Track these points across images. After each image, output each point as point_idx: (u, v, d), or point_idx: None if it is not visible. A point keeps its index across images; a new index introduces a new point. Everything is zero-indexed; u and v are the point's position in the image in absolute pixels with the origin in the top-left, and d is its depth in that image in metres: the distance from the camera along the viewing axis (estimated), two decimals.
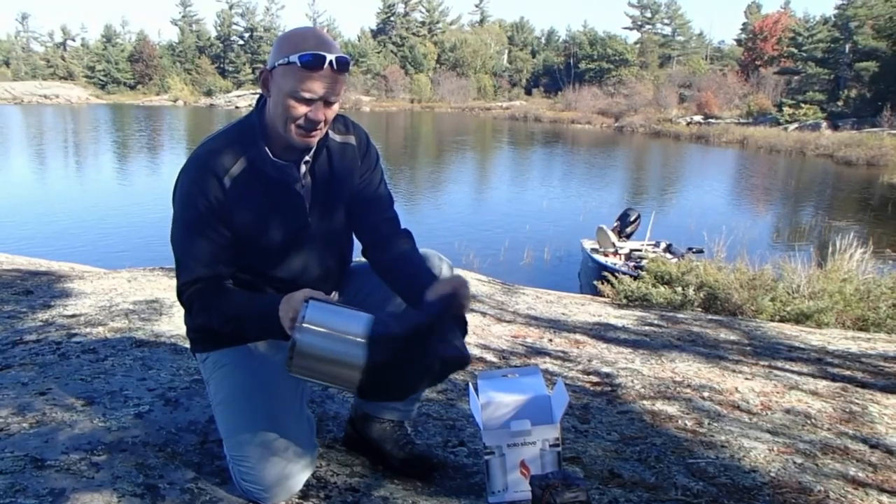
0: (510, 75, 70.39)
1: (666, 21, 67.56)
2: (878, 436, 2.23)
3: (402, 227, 1.74)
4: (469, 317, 1.52)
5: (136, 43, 71.66)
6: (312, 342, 1.29)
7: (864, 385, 2.82)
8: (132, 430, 1.82)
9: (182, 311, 1.62)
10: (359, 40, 72.26)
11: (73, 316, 3.13)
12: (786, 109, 38.15)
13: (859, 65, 38.73)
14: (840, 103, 38.42)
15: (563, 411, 1.59)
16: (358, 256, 1.81)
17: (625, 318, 4.22)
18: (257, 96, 1.58)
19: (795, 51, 45.51)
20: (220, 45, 72.03)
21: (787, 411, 2.42)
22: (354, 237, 1.75)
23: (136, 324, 3.00)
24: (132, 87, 68.29)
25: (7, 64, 72.44)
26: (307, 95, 1.43)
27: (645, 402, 2.44)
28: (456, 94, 62.02)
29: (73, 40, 77.48)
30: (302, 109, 1.44)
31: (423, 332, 1.36)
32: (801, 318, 4.56)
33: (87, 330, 2.86)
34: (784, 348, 3.53)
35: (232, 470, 1.57)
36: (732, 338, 3.75)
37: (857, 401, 2.59)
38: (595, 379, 2.71)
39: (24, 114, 47.47)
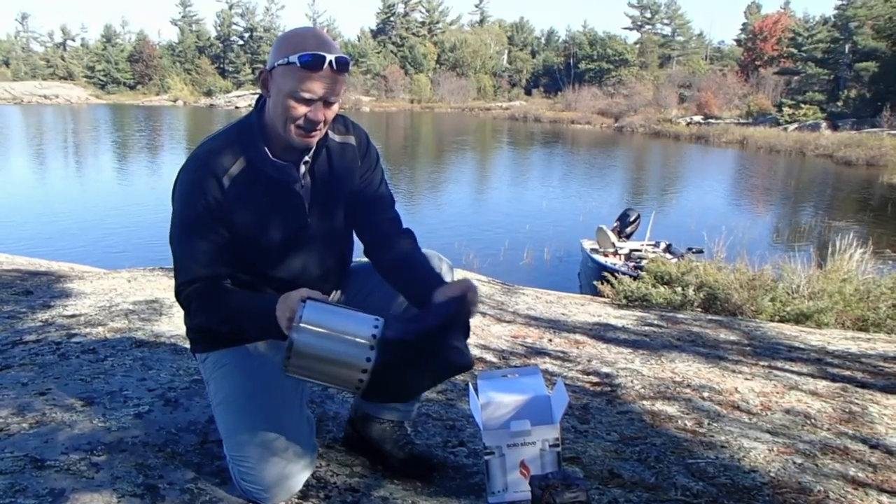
0: (510, 75, 70.41)
1: (666, 21, 67.60)
2: (878, 436, 2.23)
3: (404, 226, 1.74)
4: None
5: (135, 43, 71.67)
6: (310, 342, 1.29)
7: (863, 385, 2.82)
8: (132, 431, 1.82)
9: (182, 311, 1.62)
10: (359, 40, 72.27)
11: (72, 316, 3.13)
12: (785, 110, 38.18)
13: (859, 65, 38.76)
14: (840, 103, 38.44)
15: (563, 411, 1.59)
16: (359, 256, 1.81)
17: (624, 319, 4.22)
18: (257, 96, 1.58)
19: (795, 51, 45.54)
20: (220, 45, 72.03)
21: (787, 411, 2.42)
22: (356, 237, 1.75)
23: (135, 324, 2.99)
24: (132, 88, 68.29)
25: (7, 64, 72.43)
26: (307, 96, 1.43)
27: (645, 402, 2.44)
28: (456, 95, 62.04)
29: (73, 40, 77.59)
30: (302, 110, 1.44)
31: (431, 335, 1.37)
32: (800, 319, 4.56)
33: (87, 330, 2.86)
34: (784, 348, 3.53)
35: (232, 470, 1.57)
36: (732, 338, 3.75)
37: (856, 401, 2.59)
38: (595, 379, 2.71)
39: (23, 114, 47.47)
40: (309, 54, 1.40)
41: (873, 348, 3.65)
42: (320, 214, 1.63)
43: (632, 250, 10.09)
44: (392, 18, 73.27)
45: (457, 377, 2.41)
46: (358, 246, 1.78)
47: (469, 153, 30.43)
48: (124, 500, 1.49)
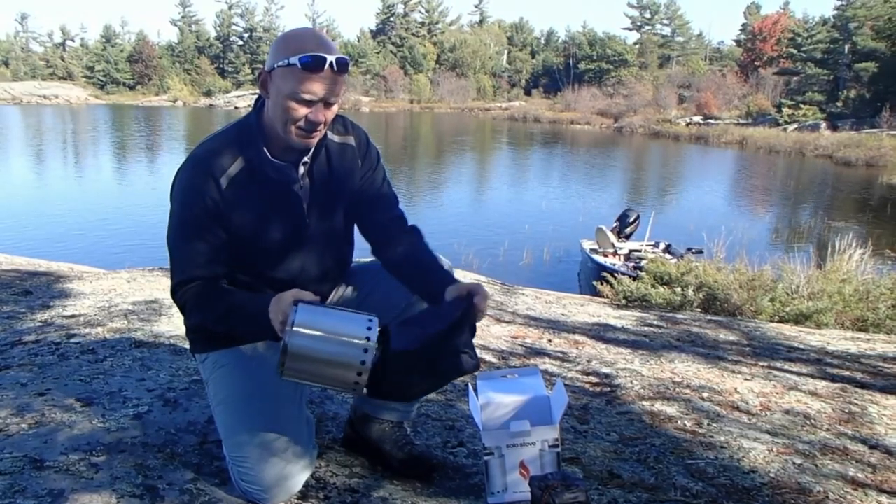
0: (509, 76, 70.42)
1: (665, 22, 67.62)
2: (878, 436, 2.23)
3: (410, 223, 1.74)
4: None
5: (135, 43, 71.67)
6: (304, 345, 1.29)
7: (863, 385, 2.82)
8: (131, 431, 1.82)
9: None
10: (358, 41, 72.29)
11: (72, 316, 3.13)
12: (785, 110, 38.21)
13: (858, 65, 38.80)
14: (839, 104, 38.47)
15: (563, 412, 1.59)
16: (358, 256, 1.81)
17: (624, 319, 4.22)
18: (256, 97, 1.58)
19: (795, 51, 45.59)
20: (220, 45, 72.04)
21: (787, 412, 2.42)
22: (363, 237, 1.75)
23: (135, 324, 2.99)
24: (131, 88, 68.28)
25: (6, 64, 72.41)
26: (307, 97, 1.43)
27: (644, 402, 2.44)
28: (455, 95, 62.05)
29: (73, 40, 77.54)
30: (302, 111, 1.44)
31: (438, 341, 1.38)
32: (800, 319, 4.56)
33: (87, 330, 2.86)
34: (783, 349, 3.53)
35: (231, 470, 1.57)
36: (732, 338, 3.75)
37: (856, 401, 2.59)
38: (594, 379, 2.71)
39: (23, 114, 47.46)
40: (309, 56, 1.40)
41: (873, 349, 3.65)
42: (319, 215, 1.63)
43: (631, 251, 10.09)
44: (392, 19, 73.29)
45: None
46: (359, 246, 1.78)
47: (469, 153, 30.43)
48: (124, 501, 1.49)
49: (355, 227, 1.75)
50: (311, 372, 1.32)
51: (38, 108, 54.07)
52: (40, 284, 3.98)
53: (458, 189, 20.16)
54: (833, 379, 2.91)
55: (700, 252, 8.64)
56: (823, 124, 35.13)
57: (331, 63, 1.41)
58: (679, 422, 2.26)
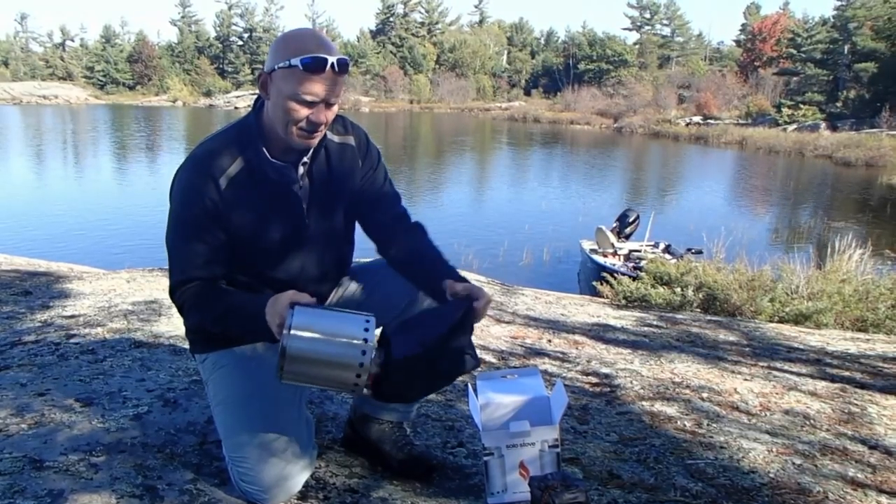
0: (509, 76, 70.42)
1: (665, 22, 67.63)
2: (877, 437, 2.23)
3: (414, 220, 1.74)
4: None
5: (135, 43, 71.63)
6: (302, 347, 1.29)
7: (862, 386, 2.82)
8: (131, 431, 1.82)
9: None
10: (358, 41, 72.30)
11: (71, 317, 3.13)
12: (785, 110, 38.20)
13: (858, 66, 38.79)
14: (839, 104, 38.48)
15: (563, 412, 1.59)
16: (358, 256, 1.81)
17: (624, 319, 4.22)
18: (255, 97, 1.58)
19: (794, 52, 45.60)
20: (220, 45, 72.03)
21: (786, 412, 2.42)
22: (367, 236, 1.75)
23: (134, 324, 2.99)
24: (131, 88, 68.26)
25: (6, 64, 72.39)
26: (309, 98, 1.43)
27: (644, 402, 2.44)
28: (455, 95, 62.05)
29: (72, 41, 77.55)
30: (304, 112, 1.45)
31: (438, 344, 1.40)
32: (800, 319, 4.56)
33: (86, 331, 2.86)
34: (783, 349, 3.53)
35: (231, 471, 1.57)
36: (731, 338, 3.75)
37: (855, 402, 2.59)
38: (594, 380, 2.71)
39: (22, 114, 47.44)
40: (311, 57, 1.40)
41: (872, 349, 3.65)
42: (319, 215, 1.63)
43: (631, 251, 10.09)
44: (391, 19, 73.29)
45: None
46: (363, 245, 1.78)
47: (468, 154, 30.44)
48: (123, 501, 1.49)
49: (359, 227, 1.75)
50: (311, 374, 1.32)
51: (37, 109, 54.06)
52: (40, 285, 3.98)
53: (457, 189, 20.16)
54: (833, 379, 2.91)
55: (700, 252, 8.64)
56: (823, 125, 35.13)
57: (332, 64, 1.41)
58: (679, 422, 2.26)
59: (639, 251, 9.99)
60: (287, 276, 1.61)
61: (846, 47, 40.47)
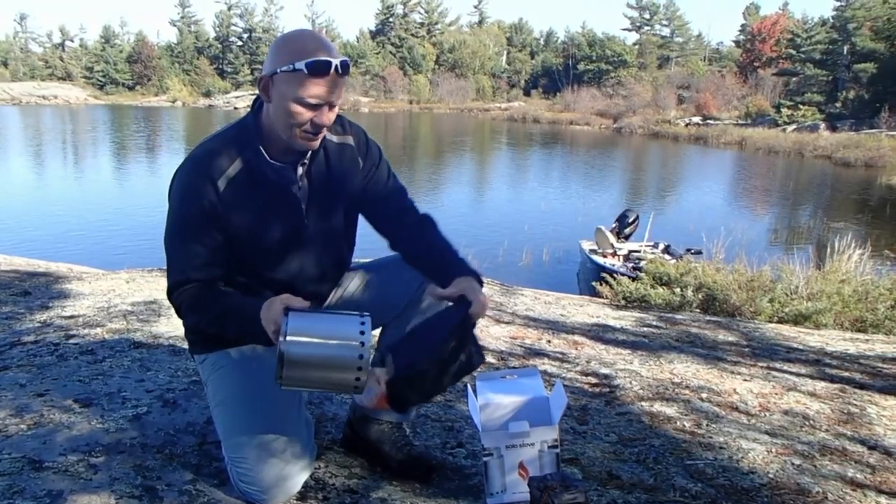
0: (509, 76, 70.42)
1: (664, 22, 67.65)
2: (877, 437, 2.24)
3: (422, 212, 1.75)
4: None
5: (134, 44, 71.62)
6: (300, 352, 1.29)
7: (862, 386, 2.82)
8: (130, 432, 1.82)
9: None
10: (357, 41, 72.31)
11: (71, 317, 3.13)
12: (784, 111, 38.23)
13: (857, 66, 38.81)
14: (838, 105, 38.50)
15: (562, 412, 1.59)
16: (358, 256, 1.81)
17: (623, 320, 4.22)
18: (254, 98, 1.58)
19: (794, 52, 45.62)
20: (219, 45, 72.02)
21: (786, 412, 2.42)
22: (378, 233, 1.75)
23: (134, 325, 2.99)
24: (131, 88, 68.25)
25: (5, 65, 72.36)
26: (313, 101, 1.43)
27: (643, 403, 2.44)
28: (455, 95, 62.05)
29: (72, 41, 77.50)
30: (308, 115, 1.45)
31: (442, 347, 1.41)
32: (799, 320, 4.56)
33: (86, 331, 2.86)
34: (782, 349, 3.53)
35: (230, 471, 1.57)
36: (731, 339, 3.75)
37: (855, 402, 2.59)
38: (593, 380, 2.71)
39: (22, 114, 47.42)
40: (316, 60, 1.40)
41: (872, 349, 3.66)
42: (318, 215, 1.63)
43: (630, 251, 10.09)
44: (391, 19, 73.29)
45: None
46: (363, 245, 1.78)
47: (468, 154, 30.44)
48: (122, 502, 1.49)
49: (369, 224, 1.75)
50: (310, 378, 1.32)
51: (37, 109, 54.03)
52: (39, 285, 3.98)
53: (457, 189, 20.16)
54: (832, 379, 2.91)
55: (699, 252, 8.65)
56: (822, 125, 35.14)
57: (336, 66, 1.42)
58: (678, 422, 2.26)
59: (638, 251, 9.99)
60: (286, 276, 1.61)
61: (845, 48, 40.50)
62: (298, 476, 1.56)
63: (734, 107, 43.92)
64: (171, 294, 1.54)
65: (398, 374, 1.39)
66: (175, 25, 75.48)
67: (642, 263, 8.03)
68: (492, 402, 1.66)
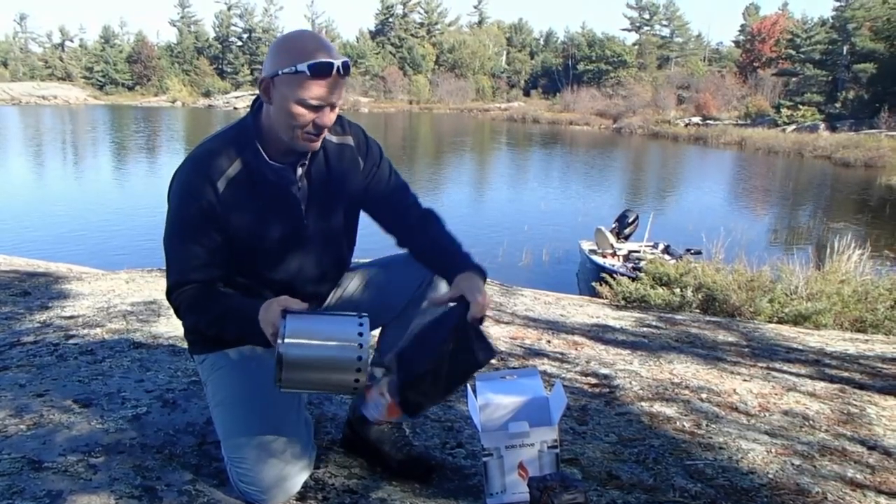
0: (508, 76, 70.43)
1: (664, 22, 67.66)
2: (876, 437, 2.24)
3: (425, 207, 1.74)
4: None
5: (134, 44, 71.62)
6: (298, 354, 1.29)
7: (862, 386, 2.82)
8: (130, 432, 1.82)
9: None
10: (357, 41, 72.31)
11: (70, 317, 3.13)
12: (784, 111, 38.24)
13: (857, 66, 38.82)
14: (838, 105, 38.51)
15: (562, 413, 1.59)
16: (358, 256, 1.81)
17: (623, 320, 4.22)
18: (253, 98, 1.58)
19: (793, 52, 45.62)
20: (219, 46, 72.02)
21: (786, 413, 2.42)
22: (384, 231, 1.75)
23: (133, 325, 2.99)
24: (130, 88, 68.25)
25: (5, 65, 72.35)
26: (316, 103, 1.43)
27: (643, 403, 2.44)
28: (454, 96, 62.07)
29: (72, 41, 77.48)
30: (310, 116, 1.45)
31: (445, 347, 1.41)
32: (799, 320, 4.57)
33: (85, 331, 2.86)
34: (782, 350, 3.53)
35: (230, 471, 1.57)
36: (731, 339, 3.75)
37: (855, 402, 2.59)
38: (593, 380, 2.71)
39: (22, 115, 47.40)
40: (317, 62, 1.40)
41: (871, 349, 3.66)
42: (318, 216, 1.63)
43: (630, 251, 10.09)
44: (391, 19, 73.30)
45: None
46: (363, 245, 1.78)
47: (468, 154, 30.44)
48: (122, 502, 1.49)
49: (375, 223, 1.75)
50: (309, 380, 1.32)
51: (36, 109, 54.01)
52: (39, 285, 3.98)
53: (457, 190, 20.16)
54: (832, 380, 2.91)
55: (699, 253, 8.65)
56: (822, 125, 35.15)
57: (337, 67, 1.42)
58: (678, 423, 2.26)
59: (638, 252, 9.99)
60: (286, 277, 1.61)
61: (845, 48, 40.50)
62: (298, 476, 1.56)
63: (734, 107, 43.93)
64: (170, 295, 1.54)
65: (406, 380, 1.40)
66: (175, 25, 75.50)
67: (642, 264, 8.03)
68: (491, 403, 1.66)
